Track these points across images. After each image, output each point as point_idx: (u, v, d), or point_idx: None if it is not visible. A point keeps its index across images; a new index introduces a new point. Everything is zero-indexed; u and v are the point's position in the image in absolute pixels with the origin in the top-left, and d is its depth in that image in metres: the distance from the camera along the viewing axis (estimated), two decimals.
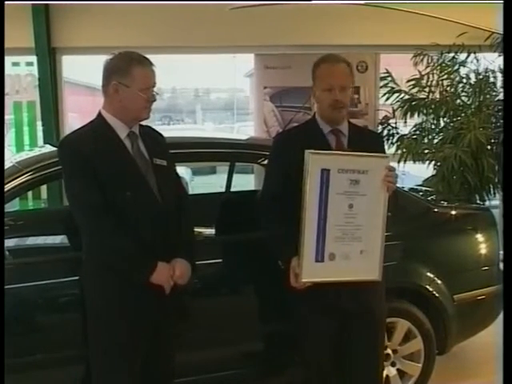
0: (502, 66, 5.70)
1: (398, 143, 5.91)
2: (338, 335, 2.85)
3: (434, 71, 5.82)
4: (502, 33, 5.54)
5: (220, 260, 3.35)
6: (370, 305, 2.83)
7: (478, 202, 5.40)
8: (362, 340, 2.85)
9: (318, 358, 2.90)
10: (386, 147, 3.28)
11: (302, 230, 2.65)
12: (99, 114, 2.71)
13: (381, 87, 6.17)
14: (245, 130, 11.86)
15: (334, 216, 2.67)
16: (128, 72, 2.61)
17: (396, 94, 5.97)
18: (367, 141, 2.88)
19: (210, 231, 3.44)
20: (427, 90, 5.83)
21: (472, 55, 5.78)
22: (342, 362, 2.91)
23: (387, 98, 6.08)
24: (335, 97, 2.76)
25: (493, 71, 5.77)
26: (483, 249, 3.91)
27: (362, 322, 2.83)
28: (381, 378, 3.10)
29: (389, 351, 3.56)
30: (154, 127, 2.95)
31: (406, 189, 4.07)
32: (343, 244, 2.69)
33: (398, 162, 5.60)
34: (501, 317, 3.87)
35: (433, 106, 5.78)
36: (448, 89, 5.79)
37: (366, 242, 2.71)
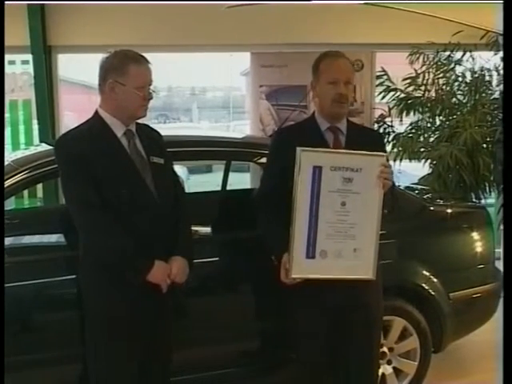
0: (497, 65, 5.72)
1: (394, 141, 5.91)
2: (333, 332, 2.85)
3: (430, 70, 5.82)
4: (497, 31, 5.56)
5: (216, 258, 3.35)
6: (365, 302, 2.83)
7: (474, 200, 5.41)
8: (357, 337, 2.86)
9: (312, 355, 2.90)
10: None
11: (293, 227, 2.65)
12: (96, 113, 2.72)
13: (377, 86, 6.16)
14: (241, 128, 11.84)
15: (326, 213, 2.67)
16: (124, 70, 2.61)
17: (392, 93, 5.97)
18: (366, 139, 2.85)
19: (206, 230, 3.43)
20: (423, 88, 5.84)
21: (468, 54, 5.78)
22: (337, 360, 2.91)
23: (383, 97, 6.08)
24: (340, 90, 2.75)
25: (488, 70, 5.77)
26: (479, 247, 3.92)
27: (357, 320, 2.83)
28: (376, 376, 3.10)
29: (385, 349, 3.57)
30: (150, 126, 2.95)
31: (401, 187, 4.08)
32: (336, 242, 2.68)
33: (394, 160, 5.60)
34: (496, 315, 3.90)
35: (428, 105, 5.78)
36: (444, 87, 5.80)
37: (359, 240, 2.70)
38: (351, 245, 2.70)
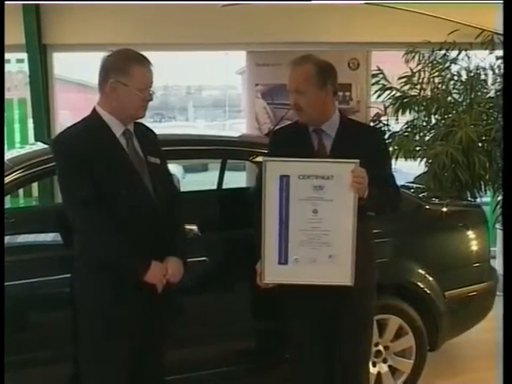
0: (492, 64, 5.73)
1: (390, 140, 5.90)
2: (325, 333, 2.87)
3: (426, 68, 5.82)
4: (493, 30, 5.56)
5: (211, 257, 3.35)
6: (356, 302, 2.82)
7: (469, 198, 5.42)
8: (348, 337, 2.86)
9: (304, 355, 2.91)
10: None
11: (264, 234, 2.68)
12: (94, 111, 2.69)
13: (372, 84, 6.17)
14: (237, 127, 11.87)
15: (297, 221, 2.67)
16: (127, 71, 2.59)
17: (387, 92, 5.97)
18: (361, 139, 2.78)
19: (201, 229, 3.43)
20: (419, 87, 5.83)
21: (463, 53, 5.78)
22: (329, 360, 2.91)
23: (379, 96, 6.08)
24: (292, 100, 2.77)
25: (484, 69, 5.78)
26: (474, 245, 3.92)
27: (348, 320, 2.84)
28: (367, 375, 3.10)
29: (380, 348, 3.58)
30: (146, 124, 2.94)
31: None
32: (310, 248, 2.68)
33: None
34: (492, 313, 3.91)
35: (424, 104, 5.78)
36: (439, 86, 5.80)
37: (335, 246, 2.68)
38: (326, 251, 2.68)
